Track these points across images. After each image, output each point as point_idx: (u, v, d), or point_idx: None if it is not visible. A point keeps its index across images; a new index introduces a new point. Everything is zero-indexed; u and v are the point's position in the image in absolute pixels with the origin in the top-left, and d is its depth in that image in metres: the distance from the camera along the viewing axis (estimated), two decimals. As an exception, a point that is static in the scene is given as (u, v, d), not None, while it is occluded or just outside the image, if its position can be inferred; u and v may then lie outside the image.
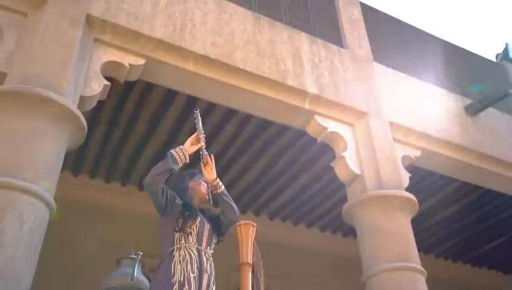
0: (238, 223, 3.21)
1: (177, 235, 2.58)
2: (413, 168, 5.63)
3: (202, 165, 2.79)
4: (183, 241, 2.57)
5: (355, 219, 4.70)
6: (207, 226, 2.73)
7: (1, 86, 3.42)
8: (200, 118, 2.80)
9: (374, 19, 6.58)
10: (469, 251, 8.72)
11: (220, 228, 2.81)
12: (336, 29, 5.88)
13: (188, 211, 2.64)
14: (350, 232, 7.82)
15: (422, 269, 4.31)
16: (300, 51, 5.18)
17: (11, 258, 2.83)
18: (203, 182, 2.86)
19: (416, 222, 5.07)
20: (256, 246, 3.84)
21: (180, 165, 2.64)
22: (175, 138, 6.09)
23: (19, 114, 3.28)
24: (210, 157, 2.82)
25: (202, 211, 2.84)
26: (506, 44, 7.80)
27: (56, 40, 3.75)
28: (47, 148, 3.31)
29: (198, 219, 2.68)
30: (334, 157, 5.73)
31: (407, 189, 4.98)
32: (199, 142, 2.74)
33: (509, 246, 8.29)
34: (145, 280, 1.76)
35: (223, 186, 2.82)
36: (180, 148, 2.67)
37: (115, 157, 6.40)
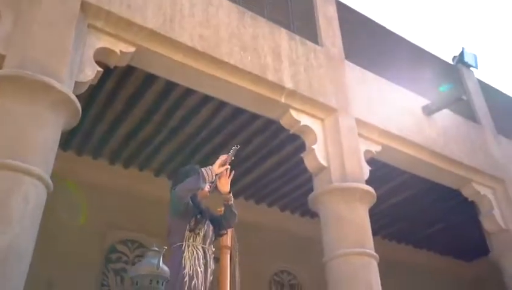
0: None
1: (187, 233, 2.91)
2: (370, 159, 6.17)
3: (218, 178, 3.04)
4: (191, 239, 2.91)
5: (320, 206, 5.17)
6: (211, 227, 3.07)
7: (2, 70, 3.54)
8: (235, 152, 3.01)
9: (346, 17, 6.96)
10: (412, 234, 9.57)
11: (219, 229, 3.15)
12: (312, 26, 6.22)
13: (199, 214, 2.97)
14: (307, 212, 8.39)
15: (376, 254, 4.87)
16: (280, 47, 5.50)
17: (17, 234, 3.07)
18: None
19: (367, 207, 5.59)
20: (233, 230, 4.23)
21: (207, 183, 2.93)
22: (150, 119, 6.32)
23: (21, 99, 3.44)
24: (228, 173, 3.07)
25: (205, 210, 3.13)
26: (463, 48, 8.44)
27: (54, 26, 3.87)
28: (47, 133, 3.51)
29: (206, 222, 3.02)
30: (299, 146, 6.19)
31: (365, 179, 5.50)
32: (225, 165, 3.01)
33: (446, 231, 9.18)
34: (166, 269, 2.09)
35: (232, 199, 3.13)
36: (210, 169, 2.92)
37: (89, 132, 6.53)
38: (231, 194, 3.11)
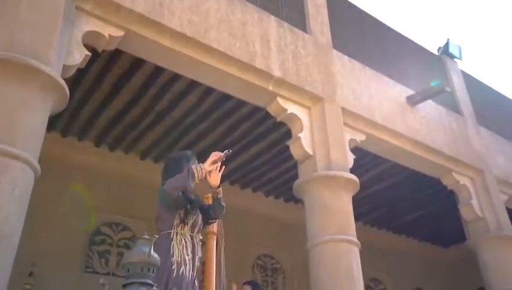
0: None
1: (176, 221, 2.95)
2: (354, 148, 6.26)
3: (208, 172, 3.05)
4: (179, 228, 2.95)
5: (305, 194, 5.26)
6: (200, 216, 3.12)
7: (-11, 52, 3.49)
8: (226, 156, 3.04)
9: (335, 5, 6.96)
10: (392, 221, 9.79)
11: (207, 218, 3.20)
12: (301, 14, 6.23)
13: (189, 204, 3.01)
14: (291, 198, 8.50)
15: (357, 241, 4.99)
16: (269, 34, 5.51)
17: (5, 218, 3.08)
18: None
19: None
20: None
21: (196, 181, 2.93)
22: (137, 102, 6.30)
23: (8, 82, 3.40)
24: (219, 168, 3.08)
25: (195, 200, 3.16)
26: (448, 39, 8.54)
27: (42, 8, 3.82)
28: (35, 117, 3.50)
29: (196, 212, 3.06)
30: (284, 133, 6.26)
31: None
32: (216, 163, 3.04)
33: (425, 219, 9.41)
34: (157, 257, 2.14)
35: (221, 193, 3.16)
36: (201, 167, 2.94)
37: (74, 114, 6.48)
38: (221, 188, 3.15)
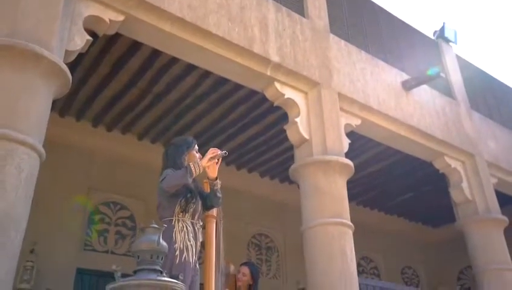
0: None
1: (177, 209, 3.07)
2: (349, 132, 6.37)
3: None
4: (181, 215, 3.08)
5: (301, 178, 5.38)
6: (199, 202, 3.23)
7: (-7, 38, 3.52)
8: (222, 156, 3.14)
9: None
10: (384, 202, 10.00)
11: (205, 205, 3.31)
12: (299, -3, 6.25)
13: (189, 193, 3.12)
14: (285, 179, 8.65)
15: (351, 224, 5.14)
16: (267, 19, 5.54)
17: (13, 203, 3.17)
18: (197, 153, 3.32)
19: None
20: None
21: (194, 176, 3.04)
22: (135, 84, 6.34)
23: (13, 69, 3.45)
24: (216, 160, 3.17)
25: (194, 189, 3.25)
26: (443, 23, 8.59)
27: (44, -7, 3.84)
28: (39, 103, 3.55)
29: (196, 200, 3.17)
30: (280, 115, 6.35)
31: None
32: (213, 160, 3.13)
33: (415, 200, 9.63)
34: (165, 245, 2.27)
35: (219, 184, 3.27)
36: (198, 164, 3.03)
37: (73, 94, 6.50)
38: (218, 180, 3.25)
